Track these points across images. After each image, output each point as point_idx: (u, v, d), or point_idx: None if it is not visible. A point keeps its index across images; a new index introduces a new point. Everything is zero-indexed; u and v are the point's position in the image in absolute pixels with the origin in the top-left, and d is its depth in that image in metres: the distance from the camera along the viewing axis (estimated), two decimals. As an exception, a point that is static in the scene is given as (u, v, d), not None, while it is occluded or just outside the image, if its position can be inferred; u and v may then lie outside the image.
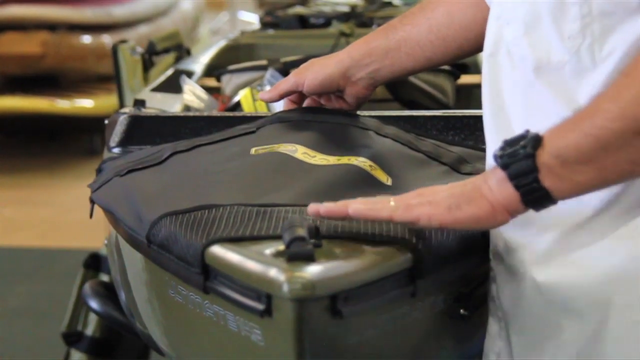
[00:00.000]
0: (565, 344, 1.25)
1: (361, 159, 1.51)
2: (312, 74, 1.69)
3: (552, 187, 1.14)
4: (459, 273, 1.31)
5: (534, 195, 1.15)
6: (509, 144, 1.17)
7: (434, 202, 1.20)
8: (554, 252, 1.24)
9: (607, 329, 1.21)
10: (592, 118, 1.11)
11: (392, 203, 1.21)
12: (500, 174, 1.16)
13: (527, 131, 1.16)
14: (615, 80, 1.12)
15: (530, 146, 1.14)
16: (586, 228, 1.22)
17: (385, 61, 1.65)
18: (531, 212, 1.19)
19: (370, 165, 1.49)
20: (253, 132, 1.79)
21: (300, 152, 1.57)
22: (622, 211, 1.20)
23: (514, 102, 1.30)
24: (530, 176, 1.14)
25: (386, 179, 1.47)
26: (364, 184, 1.43)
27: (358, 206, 1.21)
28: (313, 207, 1.23)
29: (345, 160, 1.51)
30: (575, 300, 1.23)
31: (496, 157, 1.17)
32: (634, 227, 1.19)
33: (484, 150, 1.41)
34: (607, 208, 1.20)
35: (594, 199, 1.20)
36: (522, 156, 1.14)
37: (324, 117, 1.73)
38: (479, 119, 1.92)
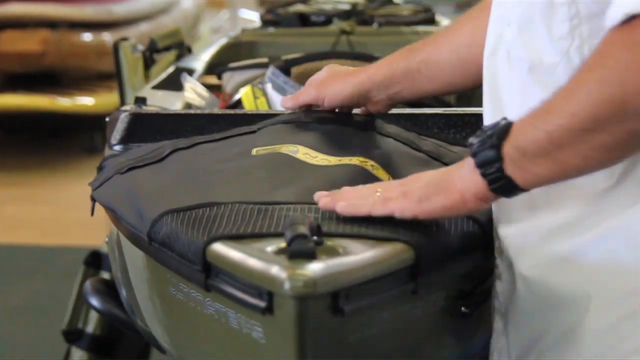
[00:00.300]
0: (551, 342, 1.26)
1: (362, 158, 1.52)
2: (332, 91, 1.70)
3: (515, 176, 1.17)
4: (460, 270, 1.31)
5: (499, 183, 1.18)
6: (483, 131, 1.20)
7: (408, 193, 1.25)
8: (538, 246, 1.27)
9: (584, 328, 1.23)
10: (547, 114, 1.13)
11: (377, 194, 1.27)
12: (471, 161, 1.20)
13: (503, 119, 1.19)
14: (569, 79, 1.13)
15: (496, 136, 1.17)
16: (570, 223, 1.24)
17: (405, 83, 1.66)
18: (521, 209, 1.24)
19: (372, 165, 1.50)
20: (254, 132, 1.79)
21: (302, 152, 1.58)
22: (606, 209, 1.21)
23: (512, 101, 1.32)
24: (495, 165, 1.17)
25: (388, 179, 1.47)
26: (366, 184, 1.43)
27: (342, 204, 1.28)
28: (318, 196, 1.31)
29: (346, 160, 1.51)
30: (558, 296, 1.24)
31: (470, 144, 1.21)
32: (615, 224, 1.21)
33: None
34: (592, 205, 1.22)
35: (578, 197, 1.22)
36: (488, 146, 1.18)
37: (325, 117, 1.73)
38: (480, 117, 1.92)
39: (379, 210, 1.25)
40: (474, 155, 1.19)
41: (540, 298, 1.27)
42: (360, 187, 1.32)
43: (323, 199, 1.30)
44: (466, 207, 1.22)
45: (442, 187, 1.23)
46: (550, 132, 1.12)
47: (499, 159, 1.17)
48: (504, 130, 1.17)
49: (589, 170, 1.18)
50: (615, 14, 1.07)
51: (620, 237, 1.20)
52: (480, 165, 1.18)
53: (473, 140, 1.20)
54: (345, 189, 1.32)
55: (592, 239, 1.22)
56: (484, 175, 1.18)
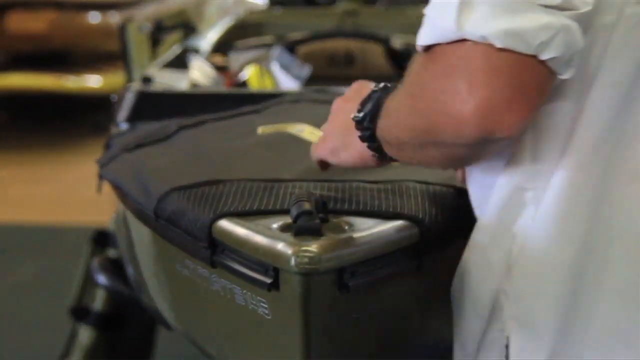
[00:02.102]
0: None
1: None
2: None
3: (392, 154, 1.18)
4: (463, 248, 1.31)
5: (383, 158, 1.21)
6: (365, 100, 1.20)
7: (326, 139, 1.30)
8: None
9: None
10: (389, 118, 1.15)
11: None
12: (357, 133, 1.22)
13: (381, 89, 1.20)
14: (402, 83, 1.12)
15: (369, 119, 1.18)
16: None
17: None
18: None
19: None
20: (260, 111, 1.80)
21: (308, 131, 1.58)
22: None
23: None
24: (373, 145, 1.20)
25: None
26: None
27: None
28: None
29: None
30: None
31: (354, 118, 1.21)
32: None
33: None
34: None
35: None
36: (364, 127, 1.19)
37: (331, 97, 1.73)
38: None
39: (314, 155, 1.33)
40: (358, 128, 1.21)
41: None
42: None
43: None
44: (369, 164, 1.25)
45: (346, 144, 1.25)
46: (390, 133, 1.14)
47: (374, 140, 1.19)
48: (374, 111, 1.18)
49: (437, 167, 1.21)
50: (418, 40, 1.05)
51: None
52: (364, 140, 1.20)
53: (356, 113, 1.21)
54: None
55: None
56: (369, 148, 1.21)
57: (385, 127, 1.15)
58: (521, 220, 1.13)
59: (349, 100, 1.27)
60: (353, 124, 1.22)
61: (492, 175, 1.15)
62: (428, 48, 1.03)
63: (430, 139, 1.05)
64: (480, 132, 0.99)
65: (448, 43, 1.00)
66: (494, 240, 1.16)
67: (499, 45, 0.96)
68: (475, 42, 0.97)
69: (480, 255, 1.18)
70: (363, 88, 1.26)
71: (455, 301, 1.23)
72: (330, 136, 1.29)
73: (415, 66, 1.07)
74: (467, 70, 0.98)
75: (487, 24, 0.97)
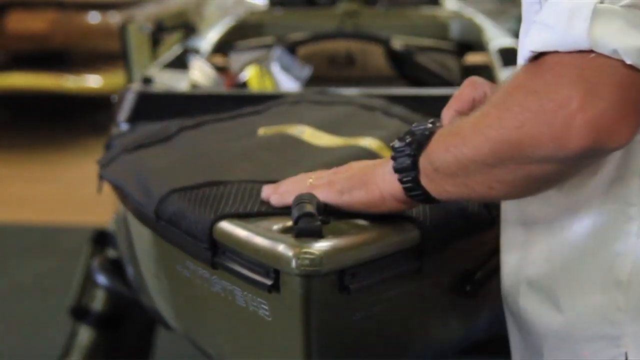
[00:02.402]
0: None
1: (369, 139, 1.52)
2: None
3: (429, 188, 1.15)
4: (465, 250, 1.32)
5: (415, 192, 1.17)
6: (408, 133, 1.18)
7: (333, 182, 1.23)
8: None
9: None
10: (455, 136, 1.11)
11: (309, 181, 1.25)
12: (391, 164, 1.18)
13: (430, 122, 1.17)
14: (486, 103, 1.10)
15: (415, 145, 1.15)
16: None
17: None
18: None
19: (378, 146, 1.50)
20: (260, 112, 1.80)
21: (308, 133, 1.58)
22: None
23: None
24: (411, 174, 1.16)
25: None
26: None
27: (275, 197, 1.27)
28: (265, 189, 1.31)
29: (352, 141, 1.52)
30: None
31: (392, 146, 1.19)
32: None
33: None
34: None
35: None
36: (406, 154, 1.16)
37: (332, 98, 1.74)
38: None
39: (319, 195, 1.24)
40: (393, 158, 1.18)
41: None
42: (300, 175, 1.30)
43: (266, 190, 1.30)
44: (385, 205, 1.21)
45: (363, 182, 1.21)
46: (459, 159, 1.10)
47: (414, 168, 1.15)
48: (423, 139, 1.15)
49: (497, 199, 1.18)
50: (525, 51, 1.04)
51: None
52: (398, 171, 1.17)
53: (396, 142, 1.18)
54: (287, 179, 1.31)
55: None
56: (400, 181, 1.17)
57: (441, 149, 1.12)
58: (626, 236, 1.11)
59: (354, 164, 1.26)
60: (373, 168, 1.21)
61: (577, 193, 1.13)
62: (536, 56, 1.02)
63: (516, 153, 1.04)
64: (589, 143, 0.98)
65: (567, 52, 0.99)
66: (591, 256, 1.13)
67: (628, 61, 0.96)
68: (602, 55, 0.97)
69: (572, 274, 1.16)
70: (342, 168, 1.26)
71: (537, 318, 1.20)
72: (340, 180, 1.24)
73: (516, 77, 1.05)
74: (588, 82, 0.97)
75: (621, 39, 0.96)
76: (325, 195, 1.22)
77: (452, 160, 1.10)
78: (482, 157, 1.07)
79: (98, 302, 2.69)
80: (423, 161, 1.14)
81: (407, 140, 1.16)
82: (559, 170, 1.06)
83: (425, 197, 1.16)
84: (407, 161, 1.15)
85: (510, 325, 1.29)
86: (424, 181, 1.15)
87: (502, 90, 1.07)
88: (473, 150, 1.07)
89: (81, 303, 2.72)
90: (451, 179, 1.12)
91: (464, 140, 1.09)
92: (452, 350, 1.50)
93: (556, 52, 1.00)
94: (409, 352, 1.33)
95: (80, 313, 2.71)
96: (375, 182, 1.20)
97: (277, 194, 1.27)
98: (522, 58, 1.06)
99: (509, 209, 1.23)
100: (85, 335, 2.70)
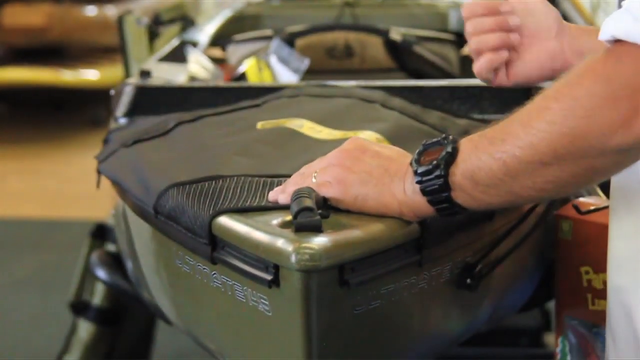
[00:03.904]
0: None
1: (368, 132, 1.52)
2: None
3: (464, 202, 1.13)
4: (465, 243, 1.31)
5: (447, 210, 1.15)
6: (426, 152, 1.16)
7: (345, 182, 1.19)
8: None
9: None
10: (502, 141, 1.08)
11: (313, 180, 1.22)
12: (416, 186, 1.15)
13: (444, 138, 1.15)
14: (530, 103, 1.08)
15: (444, 166, 1.12)
16: None
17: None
18: None
19: (377, 138, 1.50)
20: (259, 105, 1.79)
21: (307, 126, 1.58)
22: None
23: None
24: (443, 195, 1.13)
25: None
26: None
27: (282, 196, 1.24)
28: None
29: (351, 134, 1.51)
30: None
31: (415, 171, 1.15)
32: None
33: (489, 122, 1.40)
34: None
35: None
36: (435, 176, 1.13)
37: (330, 91, 1.73)
38: (484, 89, 1.92)
39: (323, 192, 1.21)
40: (419, 182, 1.14)
41: None
42: (302, 169, 1.27)
43: (272, 194, 1.27)
44: (400, 215, 1.18)
45: (380, 192, 1.18)
46: (507, 163, 1.07)
47: (447, 188, 1.12)
48: (451, 155, 1.13)
49: (537, 201, 1.17)
50: (603, 36, 1.03)
51: None
52: (427, 194, 1.14)
53: (417, 166, 1.15)
54: (292, 178, 1.27)
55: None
56: (431, 202, 1.15)
57: (483, 159, 1.09)
58: None
59: (365, 150, 1.22)
60: (390, 177, 1.18)
61: None
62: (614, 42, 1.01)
63: (581, 146, 1.02)
64: None
65: None
66: None
67: None
68: None
69: None
70: (353, 161, 1.21)
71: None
72: (354, 183, 1.19)
73: (584, 66, 1.03)
74: None
75: None
76: (338, 199, 1.19)
77: (499, 167, 1.08)
78: (539, 156, 1.05)
79: (98, 296, 2.69)
80: (457, 177, 1.12)
81: (434, 163, 1.13)
82: (619, 161, 1.05)
83: (456, 211, 1.15)
84: (437, 182, 1.13)
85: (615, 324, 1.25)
86: (460, 196, 1.13)
87: (561, 83, 1.05)
88: (528, 151, 1.05)
89: (81, 298, 2.72)
90: (493, 189, 1.10)
91: (515, 142, 1.06)
92: (452, 343, 1.49)
93: (637, 44, 0.98)
94: (410, 346, 1.33)
95: (80, 308, 2.72)
96: (394, 194, 1.18)
97: (285, 193, 1.24)
98: (599, 38, 1.03)
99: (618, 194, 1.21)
100: (85, 329, 2.70)
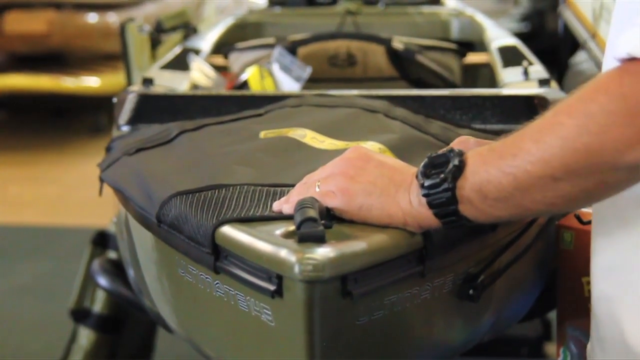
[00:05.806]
0: None
1: (370, 142, 1.52)
2: None
3: (471, 216, 1.14)
4: (467, 254, 1.31)
5: (453, 222, 1.15)
6: (432, 165, 1.15)
7: (349, 192, 1.19)
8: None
9: None
10: (513, 156, 1.08)
11: (317, 189, 1.22)
12: (422, 199, 1.15)
13: (450, 151, 1.15)
14: (541, 118, 1.08)
15: (451, 179, 1.12)
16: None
17: None
18: None
19: (380, 149, 1.50)
20: (261, 115, 1.79)
21: (309, 136, 1.58)
22: None
23: None
24: (450, 208, 1.13)
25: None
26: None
27: (286, 206, 1.24)
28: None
29: (353, 144, 1.51)
30: None
31: (421, 184, 1.16)
32: None
33: (490, 133, 1.41)
34: None
35: None
36: (443, 189, 1.13)
37: (333, 101, 1.73)
38: (486, 99, 1.93)
39: (327, 202, 1.21)
40: (425, 195, 1.14)
41: None
42: (305, 179, 1.27)
43: (276, 205, 1.27)
44: (404, 226, 1.18)
45: (385, 203, 1.18)
46: (517, 178, 1.07)
47: (455, 201, 1.12)
48: (458, 168, 1.12)
49: (546, 214, 1.17)
50: (619, 50, 1.02)
51: None
52: (434, 207, 1.15)
53: (423, 179, 1.15)
54: (296, 188, 1.27)
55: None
56: (437, 215, 1.15)
57: (492, 173, 1.09)
58: None
59: (368, 159, 1.22)
60: (395, 187, 1.18)
61: None
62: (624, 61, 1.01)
63: (595, 162, 1.02)
64: None
65: None
66: None
67: None
68: None
69: None
70: (357, 171, 1.21)
71: None
72: (358, 193, 1.19)
73: (596, 83, 1.03)
74: None
75: None
76: (342, 209, 1.19)
77: (509, 181, 1.08)
78: (551, 170, 1.05)
79: (98, 304, 2.69)
80: (465, 191, 1.12)
81: (441, 176, 1.13)
82: (630, 177, 1.05)
83: (462, 224, 1.15)
84: (445, 195, 1.13)
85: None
86: (467, 210, 1.13)
87: (573, 99, 1.05)
88: (540, 166, 1.05)
89: (82, 305, 2.72)
90: (502, 203, 1.10)
91: (526, 157, 1.06)
92: (454, 354, 1.49)
93: None
94: (413, 356, 1.33)
95: (80, 315, 2.72)
96: (399, 205, 1.18)
97: (289, 203, 1.24)
98: (613, 55, 1.04)
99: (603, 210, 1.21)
100: (85, 337, 2.71)
